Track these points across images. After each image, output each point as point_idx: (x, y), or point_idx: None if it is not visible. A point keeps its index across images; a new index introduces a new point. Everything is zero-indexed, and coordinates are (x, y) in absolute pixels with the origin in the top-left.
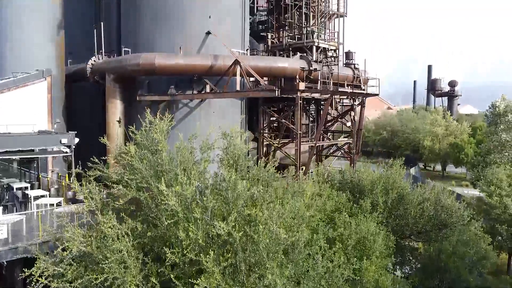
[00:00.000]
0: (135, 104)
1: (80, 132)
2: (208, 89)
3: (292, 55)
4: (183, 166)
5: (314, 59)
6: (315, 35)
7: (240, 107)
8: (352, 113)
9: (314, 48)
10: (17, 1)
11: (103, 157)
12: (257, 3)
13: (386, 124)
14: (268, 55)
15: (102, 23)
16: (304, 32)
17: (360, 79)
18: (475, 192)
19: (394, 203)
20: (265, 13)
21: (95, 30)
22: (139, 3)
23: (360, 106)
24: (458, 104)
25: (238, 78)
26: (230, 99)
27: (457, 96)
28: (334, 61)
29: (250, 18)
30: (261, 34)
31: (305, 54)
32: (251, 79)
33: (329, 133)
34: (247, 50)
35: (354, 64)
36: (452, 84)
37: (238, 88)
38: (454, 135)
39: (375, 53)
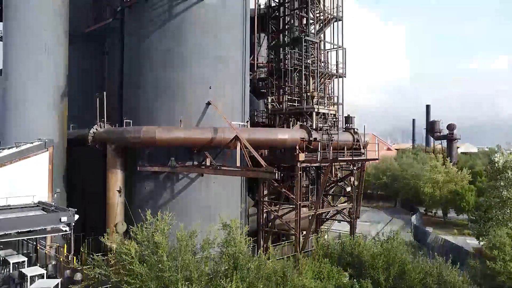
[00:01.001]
0: (135, 174)
1: (81, 195)
2: (208, 162)
3: (292, 119)
4: (183, 273)
5: (314, 127)
6: (314, 100)
7: (241, 176)
8: (352, 178)
9: (314, 114)
10: (22, 74)
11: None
12: (257, 60)
13: (386, 169)
14: (268, 117)
15: (104, 92)
16: (304, 97)
17: (359, 143)
18: (478, 244)
19: (396, 280)
20: (265, 69)
21: (97, 99)
22: (140, 73)
23: (360, 170)
24: (458, 147)
25: (238, 154)
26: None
27: (456, 139)
28: (334, 126)
29: (250, 75)
30: (261, 90)
31: (305, 123)
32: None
33: (328, 196)
34: (247, 122)
35: (354, 129)
36: (451, 127)
37: (238, 163)
38: (454, 182)
39: (374, 90)
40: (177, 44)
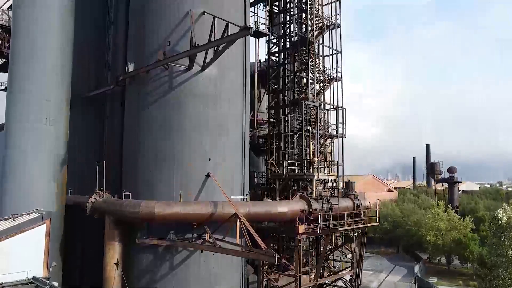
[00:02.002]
0: (134, 246)
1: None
2: (208, 237)
3: (293, 184)
4: None
5: (314, 194)
6: (315, 164)
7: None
8: (353, 245)
9: (314, 181)
10: (22, 144)
11: None
12: (257, 116)
13: (387, 215)
14: (268, 180)
15: (104, 161)
16: (304, 164)
17: (360, 209)
18: None
19: None
20: (266, 126)
21: (97, 167)
22: (140, 142)
23: (361, 236)
24: (459, 191)
25: (237, 232)
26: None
27: (457, 183)
28: (334, 192)
29: (250, 131)
30: (261, 148)
31: (304, 192)
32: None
33: (328, 261)
34: (247, 195)
35: (354, 194)
36: (451, 170)
37: (238, 241)
38: (457, 230)
39: (374, 124)
40: (177, 114)
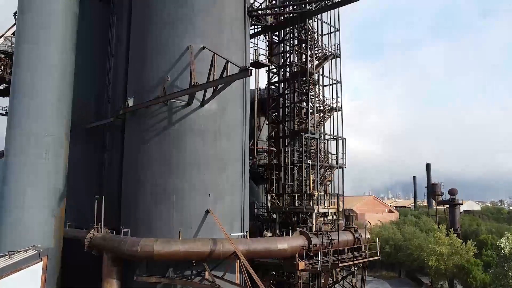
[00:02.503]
0: (132, 284)
1: None
2: (207, 275)
3: (293, 216)
4: None
5: (314, 228)
6: (315, 197)
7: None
8: (354, 280)
9: (314, 215)
10: (21, 180)
11: None
12: (257, 145)
13: (388, 239)
14: (268, 214)
15: (103, 196)
16: (304, 198)
17: (361, 242)
18: None
19: None
20: (266, 154)
21: (95, 202)
22: (139, 178)
23: (361, 270)
24: (460, 213)
25: (237, 271)
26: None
27: (458, 205)
28: (334, 226)
29: (250, 159)
30: (261, 177)
31: (304, 228)
32: None
33: None
34: (246, 231)
35: (354, 227)
36: (452, 192)
37: (237, 280)
38: (459, 255)
39: (374, 141)
40: (177, 150)
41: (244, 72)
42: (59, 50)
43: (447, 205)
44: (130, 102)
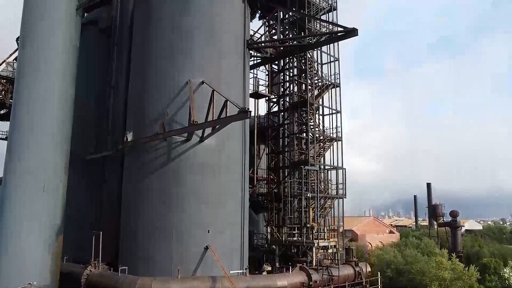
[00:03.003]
0: None
1: None
2: None
3: (293, 248)
4: None
5: (314, 263)
6: (314, 230)
7: None
8: None
9: (314, 249)
10: (18, 215)
11: None
12: (257, 173)
13: (390, 262)
14: (268, 245)
15: (101, 232)
16: (304, 231)
17: (361, 276)
18: None
19: None
20: (265, 183)
21: (93, 238)
22: (138, 213)
23: None
24: (462, 234)
25: None
26: None
27: (459, 227)
28: (335, 257)
29: (250, 188)
30: (261, 205)
31: (304, 263)
32: None
33: None
34: (246, 268)
35: (355, 261)
36: (454, 214)
37: None
38: (462, 280)
39: (374, 159)
40: (176, 185)
41: (242, 114)
42: (59, 84)
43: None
44: (129, 137)
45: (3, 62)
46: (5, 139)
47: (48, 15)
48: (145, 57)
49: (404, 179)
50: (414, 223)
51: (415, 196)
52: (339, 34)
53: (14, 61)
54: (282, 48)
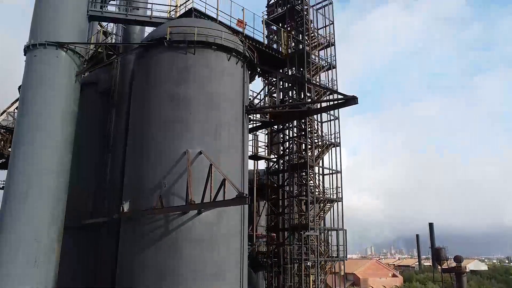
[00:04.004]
0: None
1: None
2: None
3: None
4: None
5: None
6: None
7: None
8: None
9: None
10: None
11: None
12: (256, 231)
13: None
14: None
15: None
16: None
17: None
18: None
19: None
20: (265, 240)
21: None
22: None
23: None
24: (467, 273)
25: None
26: None
27: (464, 273)
28: None
29: (249, 246)
30: (261, 264)
31: None
32: None
33: None
34: None
35: None
36: (458, 259)
37: None
38: None
39: (374, 199)
40: (173, 259)
41: (241, 199)
42: (55, 152)
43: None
44: (126, 207)
45: (3, 112)
46: (2, 188)
47: (46, 82)
48: (143, 124)
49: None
50: (417, 263)
51: (417, 236)
52: (339, 101)
53: (15, 110)
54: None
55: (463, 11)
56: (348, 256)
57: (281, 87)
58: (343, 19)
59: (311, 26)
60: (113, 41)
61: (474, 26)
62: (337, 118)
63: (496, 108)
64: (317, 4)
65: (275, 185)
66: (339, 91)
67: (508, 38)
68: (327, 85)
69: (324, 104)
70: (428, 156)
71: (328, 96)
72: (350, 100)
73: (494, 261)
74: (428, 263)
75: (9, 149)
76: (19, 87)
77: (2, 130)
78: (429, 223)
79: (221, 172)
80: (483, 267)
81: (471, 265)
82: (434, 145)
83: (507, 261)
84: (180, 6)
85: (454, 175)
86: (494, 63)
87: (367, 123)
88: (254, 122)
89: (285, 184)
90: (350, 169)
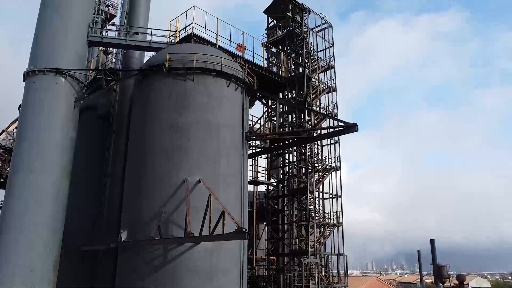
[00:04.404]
0: None
1: None
2: None
3: None
4: None
5: None
6: None
7: None
8: None
9: None
10: None
11: None
12: (256, 254)
13: None
14: None
15: None
16: None
17: None
18: None
19: None
20: (264, 263)
21: None
22: None
23: None
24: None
25: None
26: None
27: None
28: None
29: (248, 269)
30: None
31: None
32: None
33: None
34: None
35: None
36: (461, 279)
37: None
38: None
39: (374, 214)
40: None
41: (240, 235)
42: (53, 181)
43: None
44: (123, 236)
45: (2, 132)
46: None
47: (45, 109)
48: (142, 152)
49: (405, 230)
50: (419, 280)
51: (418, 252)
52: (339, 128)
53: (14, 129)
54: (281, 141)
55: (462, 28)
56: (349, 271)
57: (281, 110)
58: (342, 35)
59: (311, 49)
60: (113, 61)
61: (473, 42)
62: (337, 142)
63: (496, 121)
64: (316, 27)
65: (275, 209)
66: (339, 111)
67: (506, 54)
68: (327, 108)
69: (324, 130)
70: (428, 170)
71: (328, 120)
72: (350, 128)
73: (497, 277)
74: (430, 279)
75: (8, 169)
76: (19, 106)
77: (1, 150)
78: (430, 240)
79: (220, 204)
80: (486, 284)
81: (473, 282)
82: (434, 158)
83: (510, 278)
84: (179, 31)
85: (454, 189)
86: (493, 79)
87: (367, 137)
88: (254, 148)
89: (285, 208)
90: (349, 183)
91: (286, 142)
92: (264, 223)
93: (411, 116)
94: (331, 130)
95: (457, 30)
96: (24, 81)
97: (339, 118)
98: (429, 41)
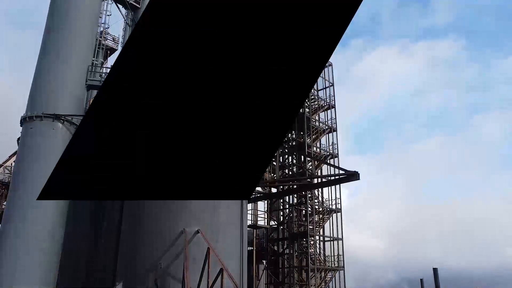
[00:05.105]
0: None
1: None
2: None
3: None
4: None
5: None
6: None
7: None
8: None
9: None
10: None
11: None
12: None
13: None
14: None
15: None
16: None
17: None
18: None
19: None
20: None
21: None
22: None
23: None
24: None
25: None
26: None
27: None
28: None
29: None
30: None
31: None
32: None
33: None
34: None
35: None
36: None
37: None
38: None
39: (376, 240)
40: None
41: None
42: (47, 230)
43: None
44: None
45: (0, 167)
46: None
47: (41, 155)
48: (138, 202)
49: (408, 256)
50: None
51: (421, 280)
52: (340, 177)
53: (12, 163)
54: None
55: (460, 54)
56: None
57: (280, 151)
58: (343, 61)
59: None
60: None
61: (471, 68)
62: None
63: (496, 146)
64: None
65: (275, 250)
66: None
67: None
68: (327, 148)
69: (325, 178)
70: (429, 195)
71: (329, 160)
72: (351, 176)
73: None
74: None
75: (4, 205)
76: (18, 139)
77: None
78: (433, 268)
79: (219, 260)
80: None
81: None
82: (434, 184)
83: None
84: None
85: (456, 215)
86: (493, 104)
87: (367, 163)
88: (254, 194)
89: (285, 252)
90: (350, 209)
91: (286, 187)
92: (264, 262)
93: (411, 142)
94: (332, 178)
95: (455, 57)
96: (21, 125)
97: (339, 157)
98: (428, 66)
